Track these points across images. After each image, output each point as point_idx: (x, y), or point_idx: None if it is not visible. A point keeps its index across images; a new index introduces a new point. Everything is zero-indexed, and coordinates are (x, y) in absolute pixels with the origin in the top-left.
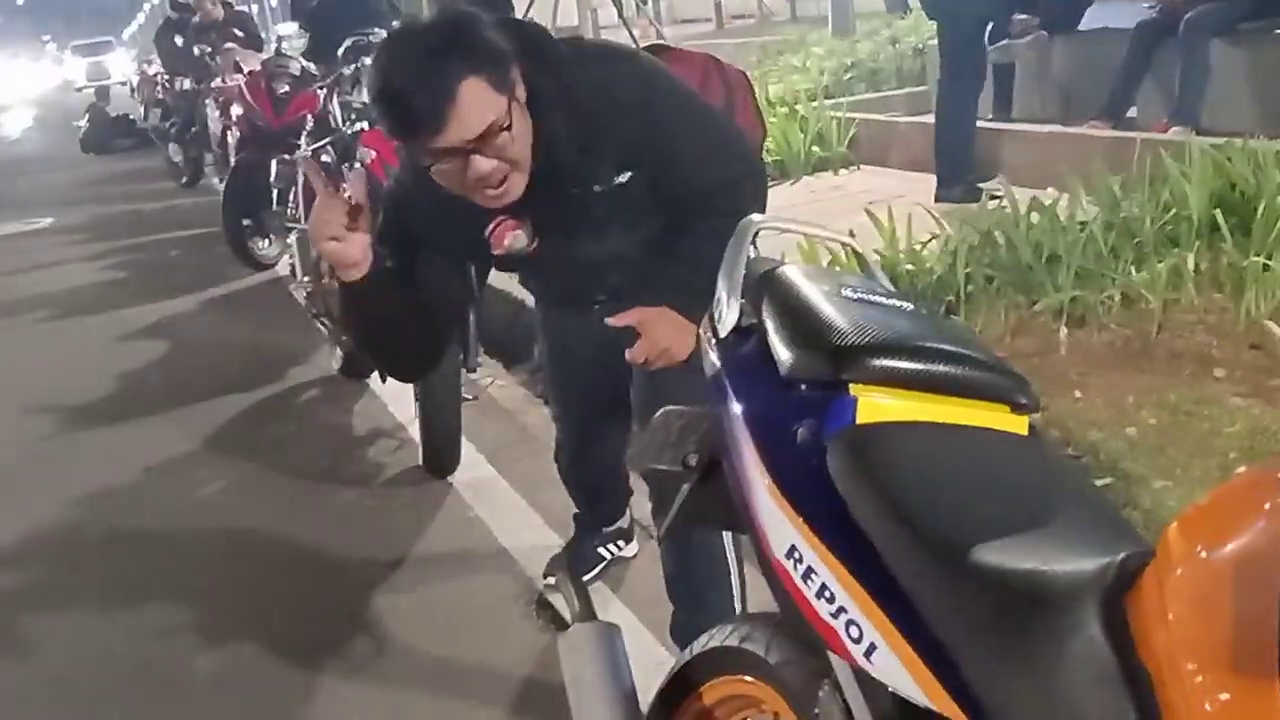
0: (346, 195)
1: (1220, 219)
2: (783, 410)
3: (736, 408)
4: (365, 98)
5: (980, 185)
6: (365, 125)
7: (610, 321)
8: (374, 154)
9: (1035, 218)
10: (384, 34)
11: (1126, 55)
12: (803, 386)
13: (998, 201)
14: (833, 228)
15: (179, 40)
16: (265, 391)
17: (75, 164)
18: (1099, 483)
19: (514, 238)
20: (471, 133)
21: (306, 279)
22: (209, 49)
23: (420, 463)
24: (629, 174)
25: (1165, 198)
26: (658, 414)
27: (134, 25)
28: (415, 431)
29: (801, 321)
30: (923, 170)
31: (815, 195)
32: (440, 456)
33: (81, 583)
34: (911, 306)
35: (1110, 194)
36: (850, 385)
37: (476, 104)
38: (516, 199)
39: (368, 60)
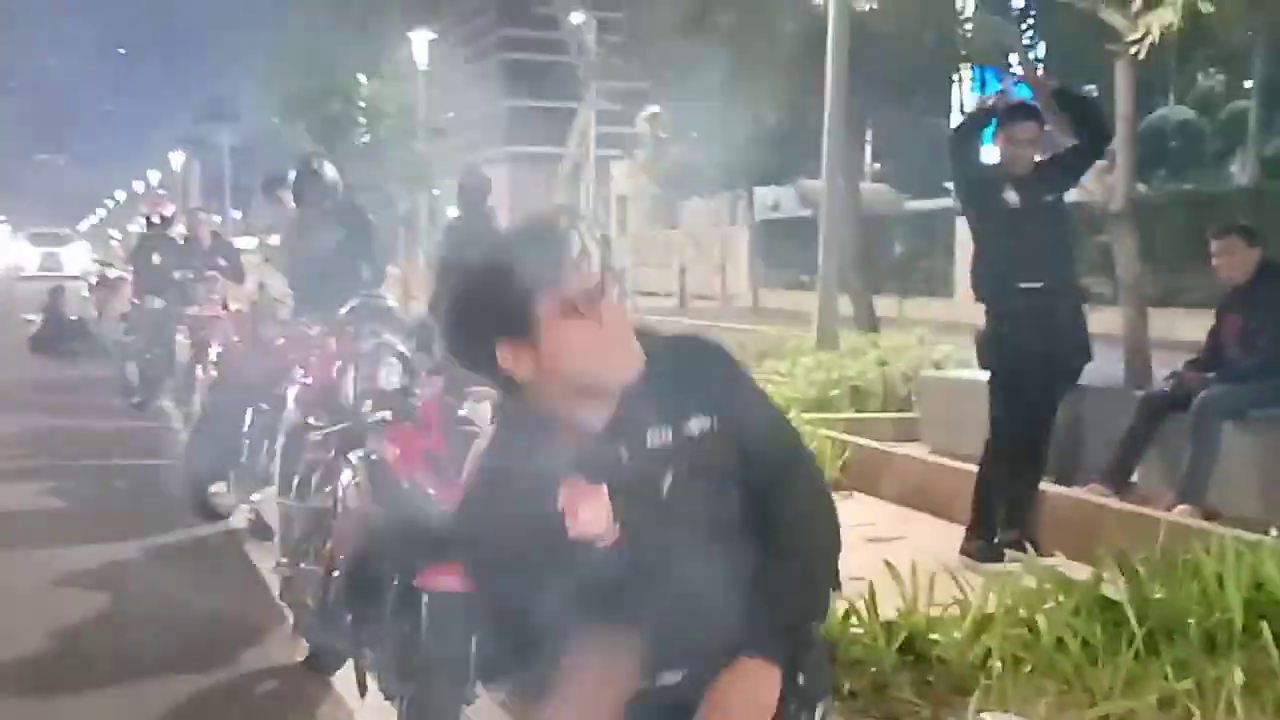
0: None
1: (1268, 630)
2: None
3: None
4: (392, 381)
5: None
6: (389, 415)
7: None
8: (398, 452)
9: (1063, 597)
10: (387, 297)
11: (1133, 424)
12: None
13: (1018, 565)
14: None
15: (156, 259)
16: (217, 676)
17: (20, 363)
18: None
19: (592, 512)
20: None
21: (285, 560)
22: (190, 274)
23: None
24: (705, 421)
25: (1196, 592)
26: None
27: (94, 218)
28: None
29: None
30: (915, 508)
31: None
32: None
33: None
34: None
35: (1136, 576)
36: None
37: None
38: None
39: (385, 336)
